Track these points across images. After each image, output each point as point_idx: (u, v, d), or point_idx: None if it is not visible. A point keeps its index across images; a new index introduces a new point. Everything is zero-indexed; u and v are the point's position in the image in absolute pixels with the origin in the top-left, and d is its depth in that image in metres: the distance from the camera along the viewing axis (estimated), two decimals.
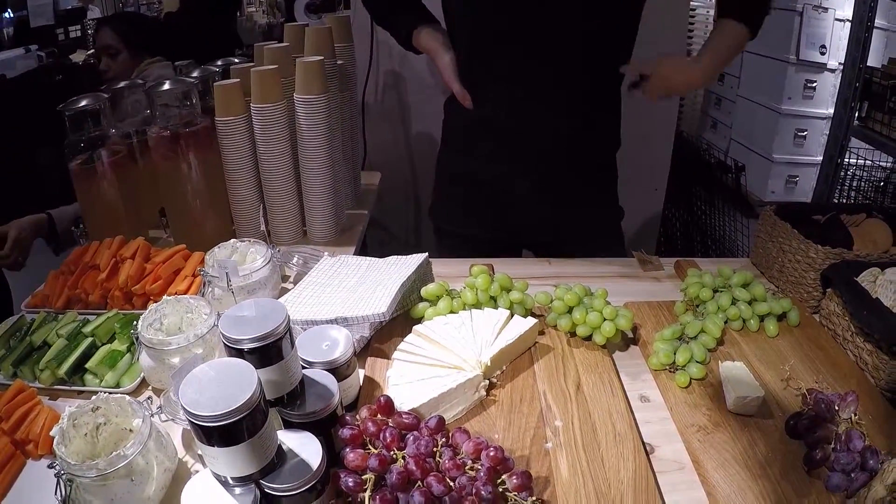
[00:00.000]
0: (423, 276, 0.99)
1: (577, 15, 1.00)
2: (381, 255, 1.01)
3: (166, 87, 1.18)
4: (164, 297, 0.90)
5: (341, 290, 0.95)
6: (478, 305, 0.90)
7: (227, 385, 0.56)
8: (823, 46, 2.63)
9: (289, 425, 0.67)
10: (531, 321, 0.86)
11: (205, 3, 5.07)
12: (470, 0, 1.06)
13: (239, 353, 0.62)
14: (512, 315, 0.88)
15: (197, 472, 0.69)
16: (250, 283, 0.98)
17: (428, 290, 0.92)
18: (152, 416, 0.69)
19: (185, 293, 1.01)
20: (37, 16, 4.64)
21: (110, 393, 0.74)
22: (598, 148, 1.20)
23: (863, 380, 0.86)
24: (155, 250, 1.13)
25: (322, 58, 1.14)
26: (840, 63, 2.78)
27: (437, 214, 1.29)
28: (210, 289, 0.98)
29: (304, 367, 0.71)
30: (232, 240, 1.05)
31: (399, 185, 2.05)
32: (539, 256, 1.25)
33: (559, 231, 1.23)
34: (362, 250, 1.44)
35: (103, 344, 0.91)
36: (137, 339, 0.82)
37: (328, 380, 0.71)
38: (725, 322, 0.94)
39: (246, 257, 1.03)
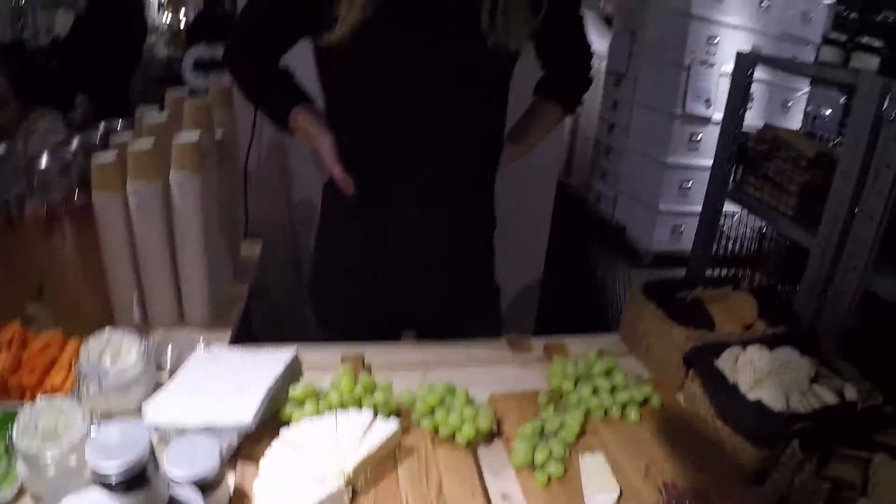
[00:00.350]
0: (293, 373, 0.99)
1: (453, 100, 1.03)
2: (267, 330, 0.98)
3: (44, 162, 1.14)
4: (38, 396, 0.85)
5: (211, 390, 0.93)
6: (344, 406, 0.90)
7: None
8: (708, 100, 2.82)
9: None
10: (393, 426, 0.87)
11: (99, 27, 4.87)
12: (353, 82, 1.06)
13: (107, 484, 0.62)
14: (376, 416, 0.89)
15: None
16: (125, 381, 0.94)
17: (295, 393, 0.92)
18: None
19: (62, 385, 0.98)
20: None
21: None
22: (475, 231, 1.24)
23: (725, 462, 0.91)
24: (32, 334, 1.06)
25: (197, 138, 1.13)
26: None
27: (314, 295, 1.28)
28: (85, 385, 0.93)
29: (172, 483, 0.70)
30: (107, 328, 1.00)
31: (282, 253, 2.05)
32: (420, 335, 1.28)
33: (435, 314, 1.25)
34: (245, 327, 1.41)
35: None
36: (13, 445, 0.77)
37: (194, 497, 0.70)
38: (587, 412, 0.99)
39: (120, 350, 0.98)
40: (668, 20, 3.04)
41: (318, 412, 0.90)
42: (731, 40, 2.79)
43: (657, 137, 3.24)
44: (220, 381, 0.94)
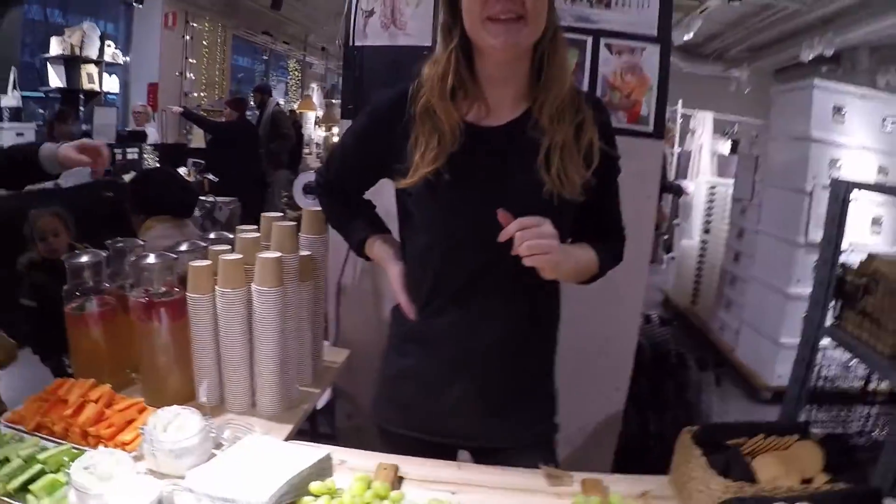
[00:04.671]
0: (320, 470, 1.08)
1: (509, 246, 1.06)
2: (349, 424, 1.05)
3: (150, 260, 1.38)
4: (100, 447, 1.08)
5: (244, 471, 1.05)
6: None
7: None
8: None
9: None
10: None
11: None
12: (421, 223, 1.18)
13: None
14: None
15: None
16: (178, 449, 1.11)
17: (314, 486, 1.01)
18: None
19: (130, 443, 1.18)
20: (99, 134, 5.27)
21: None
22: (533, 360, 1.26)
23: None
24: (120, 398, 1.29)
25: (279, 255, 1.31)
26: (851, 243, 2.78)
27: (376, 412, 1.35)
28: (147, 445, 1.13)
29: None
30: (175, 406, 1.19)
31: (369, 364, 2.16)
32: (476, 459, 1.30)
33: (488, 439, 1.27)
34: (329, 423, 1.49)
35: (50, 472, 1.08)
36: (71, 477, 0.97)
37: None
38: None
39: (184, 424, 1.15)
40: (788, 145, 2.96)
41: None
42: (854, 162, 2.65)
43: (781, 267, 3.09)
44: (255, 465, 1.07)
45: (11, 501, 1.03)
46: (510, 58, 1.09)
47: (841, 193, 1.61)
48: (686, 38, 6.03)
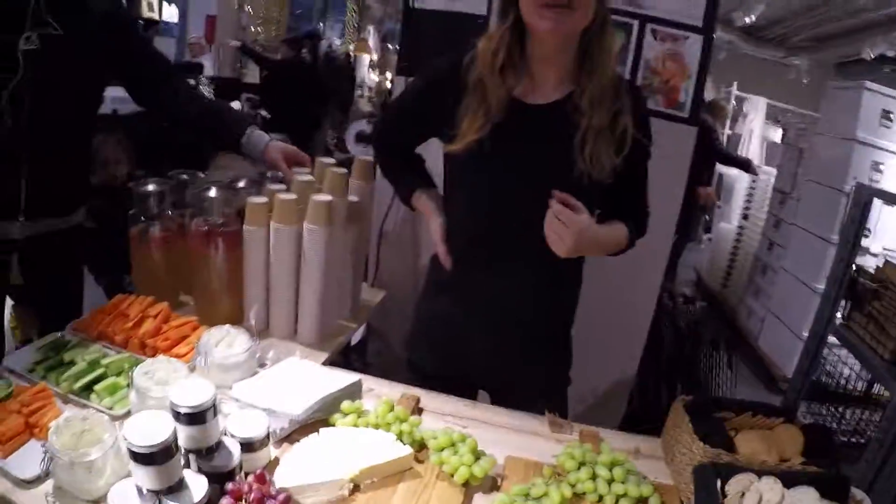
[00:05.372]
0: (350, 393, 1.24)
1: (541, 211, 1.17)
2: (378, 361, 1.15)
3: (213, 191, 1.52)
4: (161, 355, 1.24)
5: (284, 387, 1.21)
6: (377, 427, 1.13)
7: (154, 428, 0.88)
8: (868, 229, 2.65)
9: (200, 471, 0.96)
10: (405, 451, 1.08)
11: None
12: (464, 183, 1.30)
13: (176, 415, 0.94)
14: (399, 440, 1.10)
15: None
16: (227, 363, 1.27)
17: (345, 405, 1.17)
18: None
19: (184, 355, 1.33)
20: None
21: (101, 412, 1.09)
22: (553, 317, 1.39)
23: None
24: (175, 315, 1.45)
25: (330, 199, 1.44)
26: (885, 248, 2.78)
27: (409, 348, 1.51)
28: (200, 358, 1.28)
29: (228, 436, 1.01)
30: (227, 325, 1.34)
31: (402, 307, 2.30)
32: (493, 400, 1.43)
33: (507, 383, 1.41)
34: (360, 357, 1.62)
35: (112, 375, 1.23)
36: (133, 379, 1.12)
37: (236, 449, 1.00)
38: (582, 495, 1.08)
39: (233, 342, 1.31)
40: (834, 142, 2.94)
41: (356, 425, 1.14)
42: None
43: (812, 262, 3.10)
44: (293, 383, 1.23)
45: (77, 398, 1.18)
46: (559, 41, 1.18)
47: (863, 199, 1.66)
48: (747, 20, 5.85)
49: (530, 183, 1.21)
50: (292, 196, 1.46)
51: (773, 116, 6.70)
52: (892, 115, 2.65)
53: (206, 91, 5.65)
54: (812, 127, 3.43)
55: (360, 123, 2.41)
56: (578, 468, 1.12)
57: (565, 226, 1.14)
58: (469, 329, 1.36)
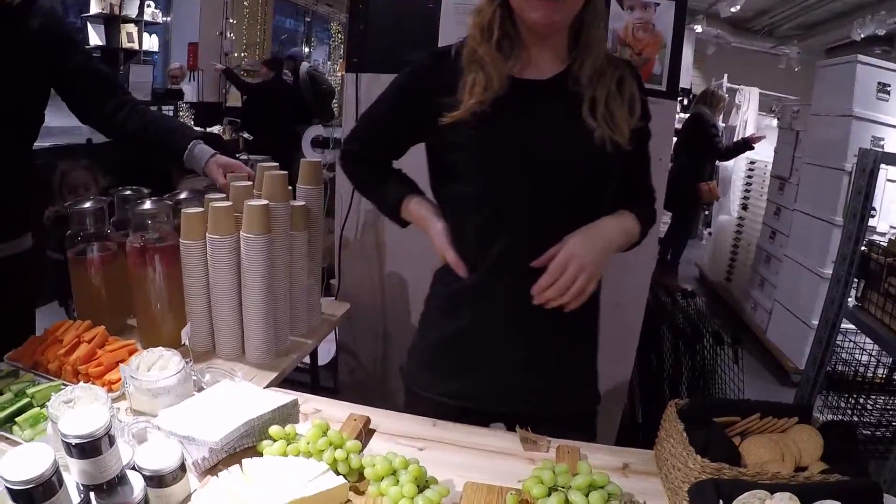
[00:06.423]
0: (284, 416, 1.09)
1: (556, 191, 1.10)
2: (351, 380, 1.02)
3: (146, 206, 1.40)
4: (81, 383, 1.11)
5: (210, 412, 1.07)
6: (308, 454, 0.98)
7: (33, 461, 0.77)
8: (874, 208, 2.51)
9: None
10: (336, 482, 0.92)
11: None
12: (467, 171, 1.13)
13: (67, 446, 0.82)
14: (333, 469, 0.95)
15: None
16: (156, 388, 1.13)
17: (273, 430, 1.02)
18: None
19: (116, 382, 1.22)
20: (135, 90, 5.34)
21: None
22: (579, 325, 1.22)
23: None
24: (112, 339, 1.33)
25: (266, 203, 1.30)
26: (892, 227, 2.64)
27: (410, 377, 1.30)
28: (126, 385, 1.16)
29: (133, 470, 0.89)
30: (160, 348, 1.21)
31: (369, 320, 2.15)
32: (508, 429, 1.23)
33: (531, 406, 1.21)
34: (332, 374, 1.47)
35: (38, 406, 1.12)
36: (48, 409, 1.00)
37: (139, 484, 0.87)
38: None
39: (168, 364, 1.17)
40: (830, 121, 2.81)
41: (284, 453, 0.99)
42: None
43: (816, 247, 2.98)
44: (222, 407, 1.08)
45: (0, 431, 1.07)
46: (548, 31, 1.09)
47: (869, 165, 1.48)
48: (732, 10, 5.76)
49: (551, 160, 1.09)
50: (227, 203, 1.32)
51: (766, 106, 6.60)
52: (888, 88, 2.53)
53: (187, 116, 5.58)
54: (807, 109, 3.30)
55: (317, 128, 2.28)
56: (549, 494, 0.95)
57: (573, 278, 1.07)
58: (494, 345, 1.17)
